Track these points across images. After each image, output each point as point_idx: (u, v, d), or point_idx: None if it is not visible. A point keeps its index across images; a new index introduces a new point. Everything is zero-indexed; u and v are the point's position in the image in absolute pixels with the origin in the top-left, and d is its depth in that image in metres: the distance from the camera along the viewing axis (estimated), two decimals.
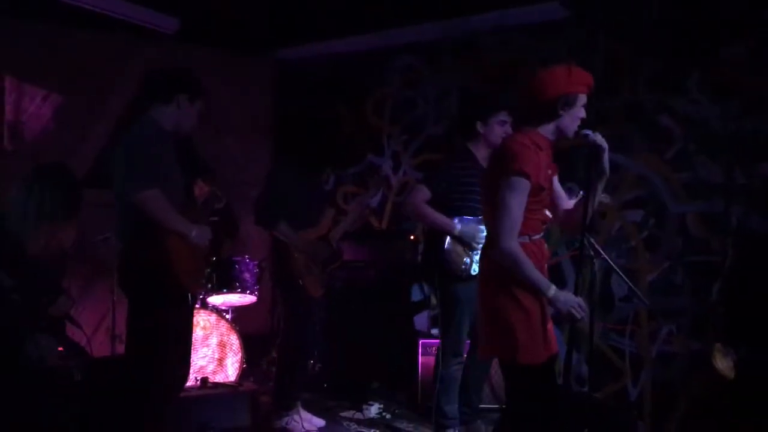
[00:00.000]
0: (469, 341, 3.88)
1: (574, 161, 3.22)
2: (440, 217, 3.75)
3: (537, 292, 2.56)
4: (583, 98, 2.65)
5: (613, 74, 4.47)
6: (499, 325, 2.61)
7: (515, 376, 2.66)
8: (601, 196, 3.65)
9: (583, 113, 2.66)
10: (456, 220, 3.74)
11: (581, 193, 2.89)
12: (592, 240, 3.40)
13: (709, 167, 4.13)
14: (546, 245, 2.76)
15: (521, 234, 2.60)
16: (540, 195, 2.64)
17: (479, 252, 3.67)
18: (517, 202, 2.54)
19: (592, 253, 3.36)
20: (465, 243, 3.73)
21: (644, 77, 4.37)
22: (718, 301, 3.94)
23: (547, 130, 2.66)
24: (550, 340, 2.64)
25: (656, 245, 4.29)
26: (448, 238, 3.76)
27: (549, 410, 2.61)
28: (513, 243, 2.54)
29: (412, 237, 5.29)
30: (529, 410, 2.63)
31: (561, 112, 2.62)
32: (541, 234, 2.72)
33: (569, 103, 2.61)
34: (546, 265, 2.73)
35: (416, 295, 5.19)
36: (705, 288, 4.05)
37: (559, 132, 2.66)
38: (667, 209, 4.26)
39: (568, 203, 2.94)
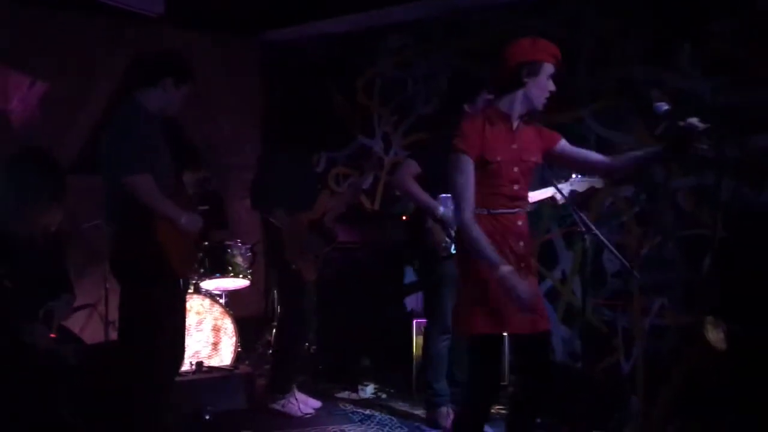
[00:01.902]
0: None
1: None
2: (424, 197, 3.76)
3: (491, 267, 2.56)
4: (548, 67, 2.65)
5: (603, 49, 4.45)
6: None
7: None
8: (593, 180, 3.67)
9: (551, 86, 2.67)
10: (441, 202, 3.75)
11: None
12: (583, 216, 3.40)
13: (699, 142, 4.12)
14: (521, 221, 2.74)
15: (478, 206, 2.64)
16: (489, 169, 2.65)
17: None
18: (462, 177, 2.61)
19: (582, 228, 3.37)
20: (444, 225, 3.75)
21: (634, 52, 4.35)
22: (709, 275, 3.96)
23: (516, 100, 2.66)
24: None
25: (648, 220, 4.30)
26: (429, 219, 3.78)
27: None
28: (465, 216, 2.60)
29: (404, 218, 5.28)
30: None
31: (525, 79, 2.63)
32: (513, 210, 2.70)
33: (533, 71, 2.63)
34: (521, 242, 2.71)
35: (409, 276, 5.18)
36: (696, 262, 4.06)
37: (528, 102, 2.67)
38: (658, 184, 4.26)
39: (598, 157, 2.92)
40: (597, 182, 3.77)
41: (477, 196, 2.65)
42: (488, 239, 2.58)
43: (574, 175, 3.68)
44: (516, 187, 2.71)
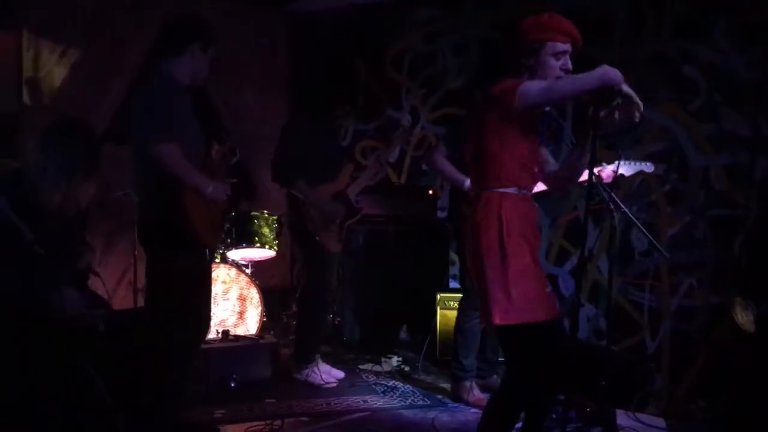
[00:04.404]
0: None
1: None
2: (455, 173, 3.76)
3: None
4: (554, 45, 2.51)
5: (636, 21, 4.35)
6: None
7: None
8: (643, 165, 3.53)
9: (563, 64, 2.53)
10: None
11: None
12: (612, 193, 3.36)
13: (734, 119, 4.04)
14: (536, 205, 2.64)
15: (510, 184, 2.52)
16: (531, 137, 2.56)
17: None
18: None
19: (612, 206, 3.33)
20: None
21: (668, 24, 4.25)
22: (740, 255, 3.90)
23: (527, 79, 2.54)
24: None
25: (678, 199, 4.24)
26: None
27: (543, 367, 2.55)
28: None
29: (430, 192, 5.27)
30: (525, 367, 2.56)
31: (525, 61, 2.53)
32: (531, 192, 2.61)
33: (534, 51, 2.52)
34: (536, 225, 2.61)
35: None
36: (727, 242, 4.00)
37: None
38: (689, 162, 4.19)
39: (553, 167, 2.78)
40: (646, 167, 3.65)
41: (507, 168, 2.52)
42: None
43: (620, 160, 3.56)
44: (536, 168, 2.63)
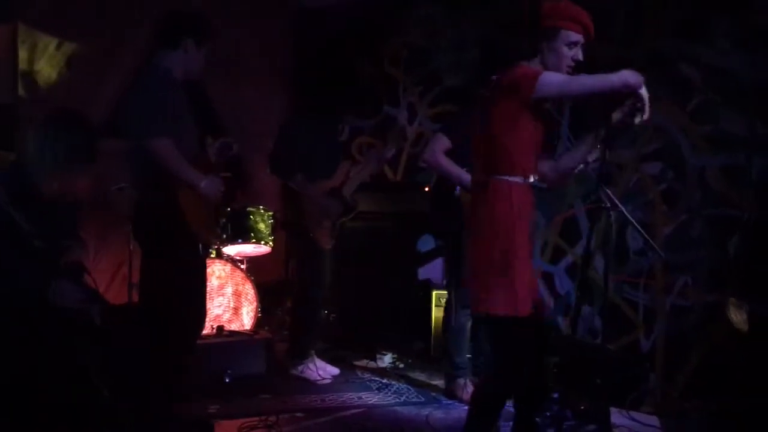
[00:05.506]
0: None
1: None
2: (457, 170, 3.72)
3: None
4: (568, 34, 2.52)
5: (636, 20, 4.35)
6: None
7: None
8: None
9: (575, 54, 2.53)
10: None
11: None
12: (609, 192, 3.36)
13: (732, 119, 4.04)
14: (533, 196, 2.63)
15: (518, 172, 2.51)
16: (539, 126, 2.55)
17: None
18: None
19: (608, 204, 3.33)
20: None
21: (668, 24, 4.25)
22: (735, 255, 3.91)
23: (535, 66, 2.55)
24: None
25: (674, 198, 4.24)
26: (458, 187, 3.75)
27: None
28: None
29: (426, 188, 5.26)
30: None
31: (541, 46, 2.53)
32: (532, 183, 2.60)
33: (547, 35, 2.52)
34: (531, 214, 2.61)
35: (426, 245, 5.16)
36: (722, 241, 4.01)
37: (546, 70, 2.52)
38: (686, 162, 4.19)
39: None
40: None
41: (516, 156, 2.50)
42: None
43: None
44: (539, 156, 2.63)
